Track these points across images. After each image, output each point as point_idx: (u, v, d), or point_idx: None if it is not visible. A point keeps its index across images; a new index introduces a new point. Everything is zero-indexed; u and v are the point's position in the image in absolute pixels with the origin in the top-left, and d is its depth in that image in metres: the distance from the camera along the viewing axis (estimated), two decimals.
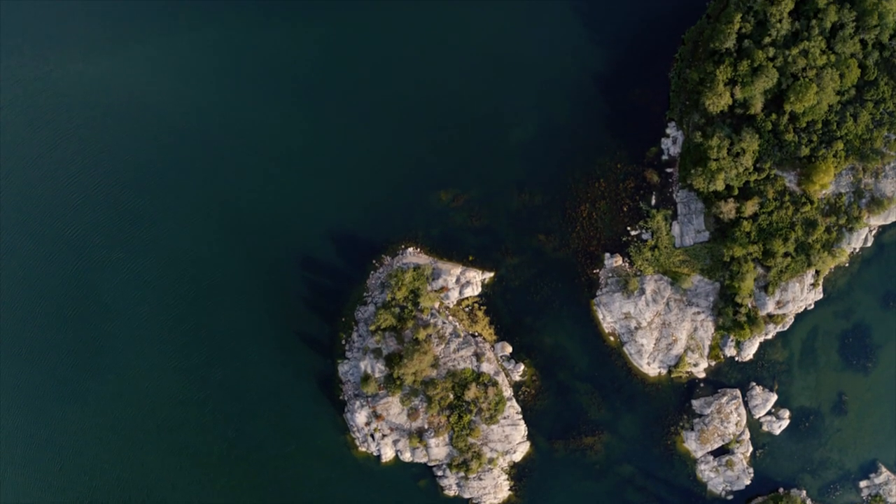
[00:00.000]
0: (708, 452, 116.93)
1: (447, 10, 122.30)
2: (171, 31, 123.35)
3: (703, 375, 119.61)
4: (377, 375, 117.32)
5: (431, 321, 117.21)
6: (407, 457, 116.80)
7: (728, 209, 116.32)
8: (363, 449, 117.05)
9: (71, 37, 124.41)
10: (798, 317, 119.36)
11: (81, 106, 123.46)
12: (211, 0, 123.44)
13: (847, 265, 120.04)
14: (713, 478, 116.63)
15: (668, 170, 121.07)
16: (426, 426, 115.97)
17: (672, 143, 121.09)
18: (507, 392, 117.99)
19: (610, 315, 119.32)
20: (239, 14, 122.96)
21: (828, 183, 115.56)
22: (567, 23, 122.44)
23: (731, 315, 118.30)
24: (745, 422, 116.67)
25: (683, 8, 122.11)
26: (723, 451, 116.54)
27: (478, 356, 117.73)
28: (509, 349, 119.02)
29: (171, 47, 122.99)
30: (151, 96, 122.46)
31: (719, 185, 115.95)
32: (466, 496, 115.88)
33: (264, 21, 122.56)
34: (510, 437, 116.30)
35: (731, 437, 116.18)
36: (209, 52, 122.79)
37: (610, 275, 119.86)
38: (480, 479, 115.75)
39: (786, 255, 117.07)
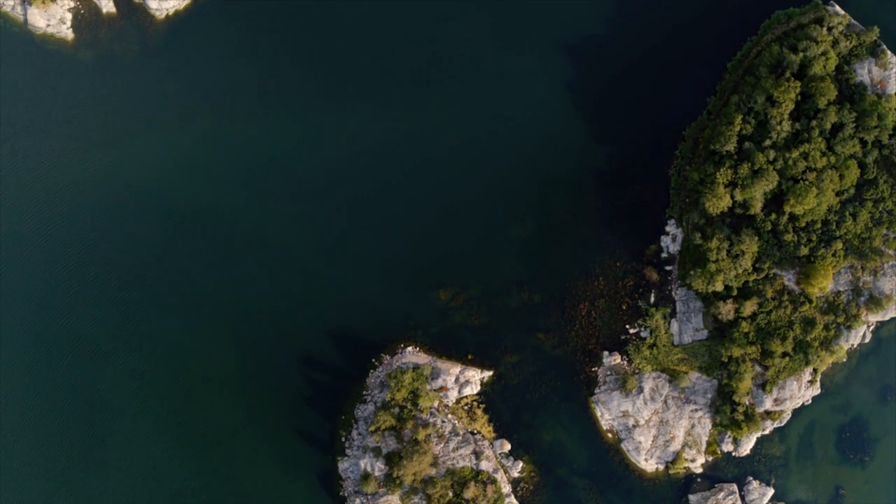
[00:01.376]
0: None
1: (446, 106, 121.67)
2: (170, 124, 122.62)
3: (700, 470, 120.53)
4: (377, 474, 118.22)
5: (431, 420, 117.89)
6: None
7: (727, 310, 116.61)
8: None
9: (68, 129, 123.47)
10: (795, 412, 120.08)
11: (79, 199, 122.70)
12: (210, 94, 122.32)
13: (845, 360, 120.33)
14: None
15: (668, 267, 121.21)
16: None
17: (672, 240, 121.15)
18: (506, 489, 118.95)
19: (608, 413, 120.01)
20: (238, 108, 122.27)
21: (827, 286, 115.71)
22: (567, 119, 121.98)
23: (728, 413, 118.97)
24: None
25: (684, 104, 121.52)
26: None
27: (477, 454, 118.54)
28: (508, 446, 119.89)
29: (170, 140, 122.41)
30: (150, 189, 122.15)
31: (718, 287, 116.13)
32: None
33: (262, 116, 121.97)
34: None
35: None
36: (209, 146, 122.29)
37: (608, 373, 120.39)
38: None
39: (784, 355, 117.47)
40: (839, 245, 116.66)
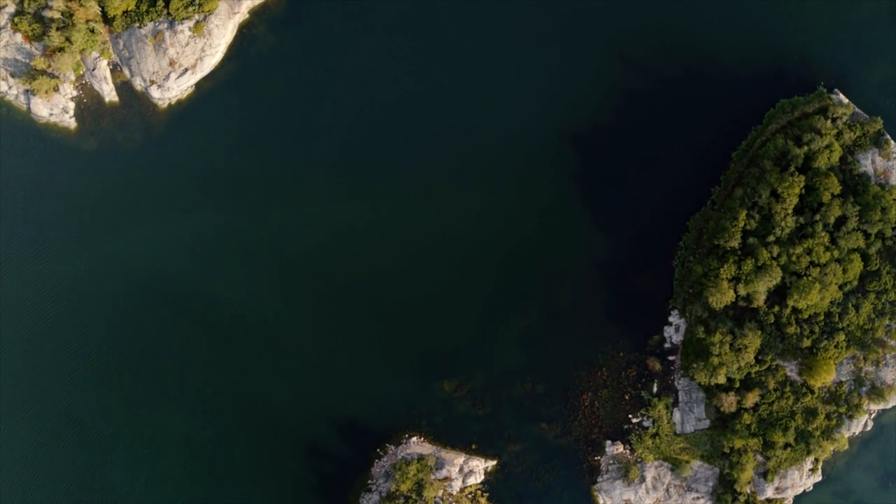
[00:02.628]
0: None
1: (448, 196, 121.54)
2: (171, 213, 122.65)
3: None
4: None
5: None
6: None
7: (729, 402, 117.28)
8: None
9: (70, 217, 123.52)
10: (796, 499, 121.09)
11: (79, 285, 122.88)
12: (212, 183, 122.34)
13: (846, 447, 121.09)
14: None
15: (671, 357, 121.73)
16: None
17: (675, 331, 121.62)
18: None
19: (611, 501, 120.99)
20: (239, 197, 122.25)
21: (829, 380, 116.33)
22: (570, 208, 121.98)
23: (730, 501, 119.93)
24: None
25: (688, 193, 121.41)
26: None
27: None
28: None
29: (171, 228, 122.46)
30: (151, 277, 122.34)
31: (721, 380, 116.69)
32: None
33: (263, 205, 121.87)
34: None
35: None
36: (210, 234, 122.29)
37: (611, 462, 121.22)
38: None
39: (786, 446, 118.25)
40: (842, 337, 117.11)
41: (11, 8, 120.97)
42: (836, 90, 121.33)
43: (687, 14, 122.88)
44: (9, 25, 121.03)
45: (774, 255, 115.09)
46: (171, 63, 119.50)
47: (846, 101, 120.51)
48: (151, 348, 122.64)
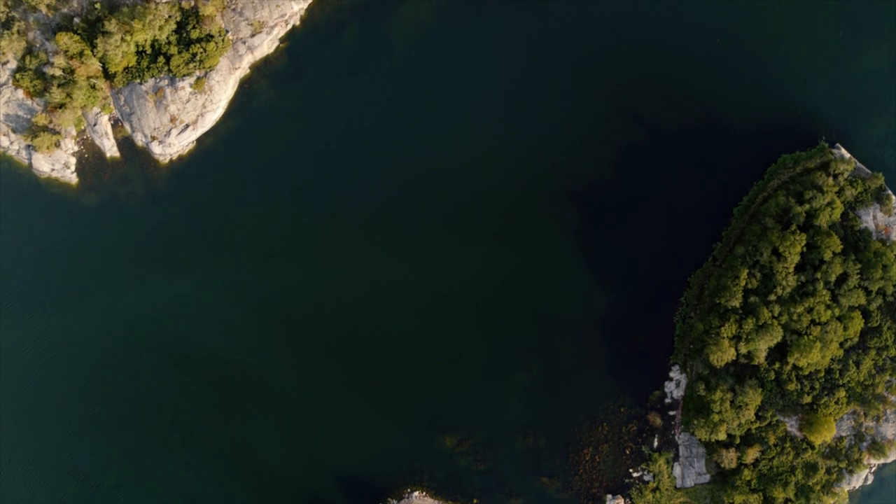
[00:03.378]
0: None
1: (449, 252, 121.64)
2: (173, 268, 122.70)
3: None
4: None
5: None
6: None
7: (729, 458, 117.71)
8: None
9: (71, 271, 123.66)
10: None
11: (80, 339, 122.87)
12: (213, 238, 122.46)
13: (846, 501, 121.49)
14: None
15: (671, 412, 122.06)
16: None
17: (675, 386, 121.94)
18: None
19: None
20: (241, 252, 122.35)
21: (830, 437, 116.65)
22: (572, 264, 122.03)
23: None
24: None
25: (689, 248, 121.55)
26: None
27: None
28: None
29: (173, 283, 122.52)
30: (153, 331, 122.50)
31: (721, 436, 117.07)
32: None
33: (264, 260, 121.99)
34: None
35: None
36: (211, 289, 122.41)
37: None
38: None
39: (786, 501, 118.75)
40: (842, 393, 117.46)
41: (13, 64, 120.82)
42: (837, 145, 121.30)
43: (689, 68, 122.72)
44: (10, 81, 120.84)
45: (776, 314, 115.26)
46: (173, 119, 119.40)
47: (848, 155, 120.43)
48: (152, 401, 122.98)
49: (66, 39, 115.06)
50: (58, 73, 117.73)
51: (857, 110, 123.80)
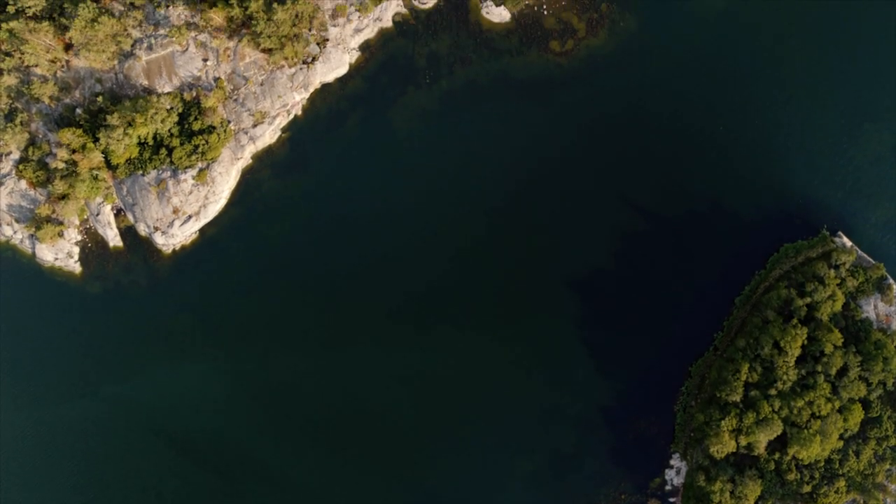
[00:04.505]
0: None
1: (451, 344, 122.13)
2: (175, 357, 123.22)
3: None
4: None
5: None
6: None
7: None
8: None
9: (74, 359, 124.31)
10: None
11: (82, 427, 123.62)
12: (216, 328, 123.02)
13: None
14: None
15: (672, 499, 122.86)
16: None
17: (676, 473, 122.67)
18: None
19: None
20: (243, 342, 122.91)
21: None
22: (573, 352, 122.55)
23: None
24: None
25: (691, 338, 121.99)
26: None
27: None
28: None
29: (175, 372, 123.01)
30: (155, 419, 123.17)
31: None
32: None
33: (265, 350, 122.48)
34: None
35: None
36: (213, 378, 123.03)
37: None
38: None
39: None
40: (842, 483, 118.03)
41: (16, 154, 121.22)
42: (839, 233, 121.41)
43: (691, 156, 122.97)
44: (13, 172, 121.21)
45: (776, 408, 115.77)
46: (175, 211, 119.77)
47: (849, 244, 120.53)
48: (153, 489, 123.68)
49: (69, 135, 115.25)
50: (60, 165, 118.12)
51: (858, 196, 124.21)
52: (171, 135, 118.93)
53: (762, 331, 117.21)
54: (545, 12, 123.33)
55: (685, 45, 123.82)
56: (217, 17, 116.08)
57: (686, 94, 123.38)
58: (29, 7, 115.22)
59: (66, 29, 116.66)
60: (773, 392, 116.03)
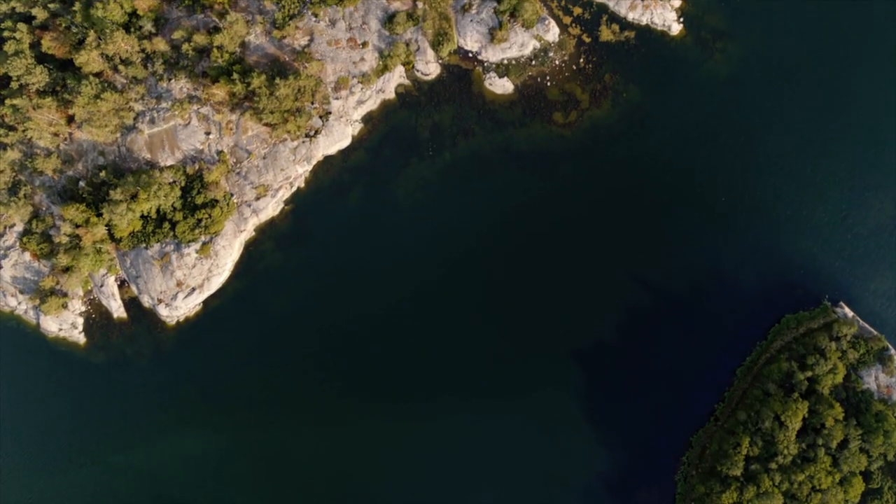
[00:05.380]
0: None
1: (454, 415, 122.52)
2: (178, 427, 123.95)
3: None
4: None
5: None
6: None
7: None
8: None
9: (77, 430, 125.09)
10: None
11: (84, 496, 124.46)
12: (220, 398, 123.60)
13: None
14: None
15: None
16: None
17: None
18: None
19: None
20: (247, 412, 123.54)
21: None
22: (574, 421, 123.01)
23: None
24: None
25: (692, 408, 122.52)
26: None
27: None
28: None
29: (178, 442, 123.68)
30: (162, 491, 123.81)
31: None
32: None
33: (270, 421, 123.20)
34: None
35: None
36: (217, 449, 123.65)
37: None
38: None
39: None
40: None
41: (20, 227, 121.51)
42: (840, 303, 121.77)
43: (693, 228, 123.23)
44: (17, 244, 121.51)
45: (776, 482, 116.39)
46: (179, 284, 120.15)
47: (851, 315, 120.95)
48: None
49: (72, 212, 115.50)
50: (64, 239, 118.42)
51: (860, 265, 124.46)
52: (175, 209, 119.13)
53: (763, 404, 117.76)
54: (549, 83, 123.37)
55: (687, 114, 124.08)
56: (219, 92, 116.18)
57: (688, 165, 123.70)
58: (32, 84, 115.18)
59: (69, 103, 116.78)
60: (773, 465, 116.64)
